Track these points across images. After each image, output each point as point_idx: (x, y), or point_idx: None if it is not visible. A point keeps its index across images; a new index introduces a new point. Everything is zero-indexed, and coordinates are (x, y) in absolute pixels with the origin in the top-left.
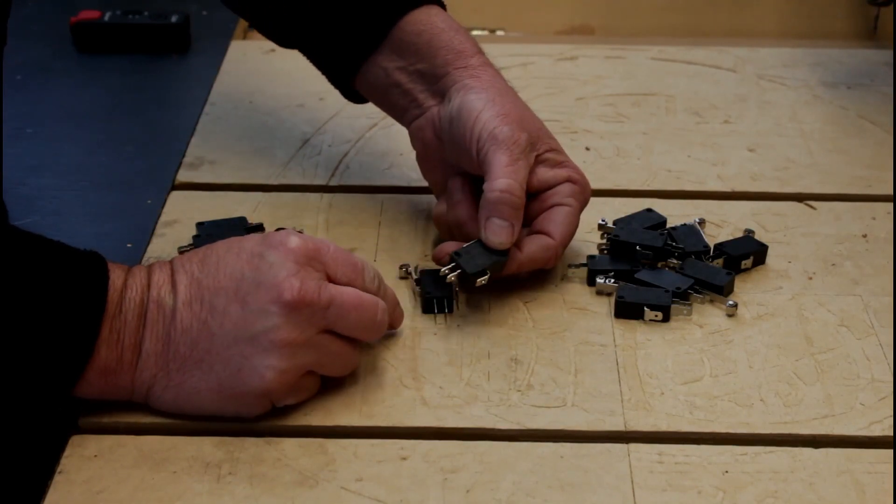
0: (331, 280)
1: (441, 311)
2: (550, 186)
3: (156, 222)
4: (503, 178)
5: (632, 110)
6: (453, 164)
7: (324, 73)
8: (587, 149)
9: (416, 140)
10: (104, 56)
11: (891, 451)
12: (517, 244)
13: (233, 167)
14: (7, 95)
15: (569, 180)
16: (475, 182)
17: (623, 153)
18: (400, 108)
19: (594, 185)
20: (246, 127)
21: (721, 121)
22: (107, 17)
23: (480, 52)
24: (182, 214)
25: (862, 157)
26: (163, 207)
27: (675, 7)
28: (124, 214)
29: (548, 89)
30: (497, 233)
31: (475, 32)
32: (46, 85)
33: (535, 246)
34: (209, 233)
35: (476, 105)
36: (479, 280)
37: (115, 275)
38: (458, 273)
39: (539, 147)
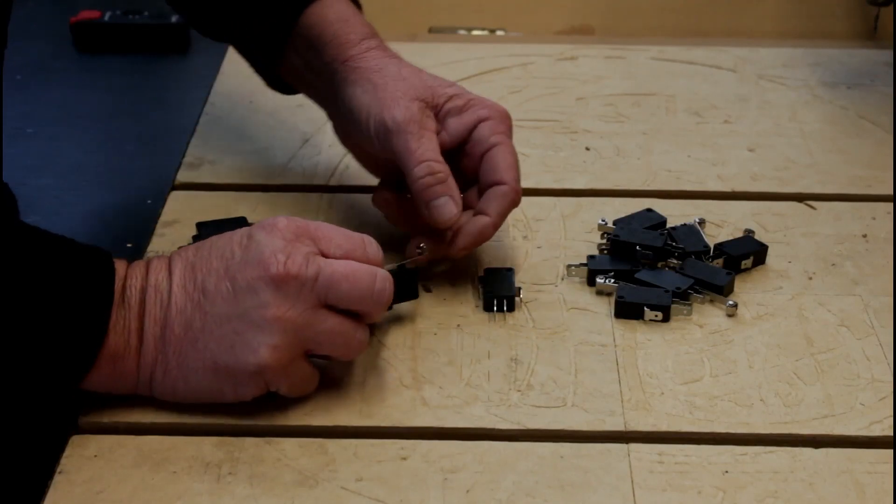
0: (325, 256)
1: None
2: (468, 133)
3: (156, 222)
4: (418, 163)
5: (632, 110)
6: (376, 156)
7: (253, 67)
8: (587, 149)
9: (341, 138)
10: (104, 56)
11: (891, 451)
12: (482, 209)
13: (233, 167)
14: (7, 95)
15: (480, 120)
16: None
17: (623, 153)
18: (320, 103)
19: (594, 185)
20: (246, 127)
21: (721, 121)
22: (107, 17)
23: (368, 37)
24: (182, 214)
25: (862, 157)
26: (163, 207)
27: (675, 7)
28: (124, 214)
29: (548, 89)
30: (441, 212)
31: (475, 32)
32: (46, 85)
33: (495, 201)
34: (209, 233)
35: (363, 100)
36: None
37: (119, 265)
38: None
39: (437, 101)
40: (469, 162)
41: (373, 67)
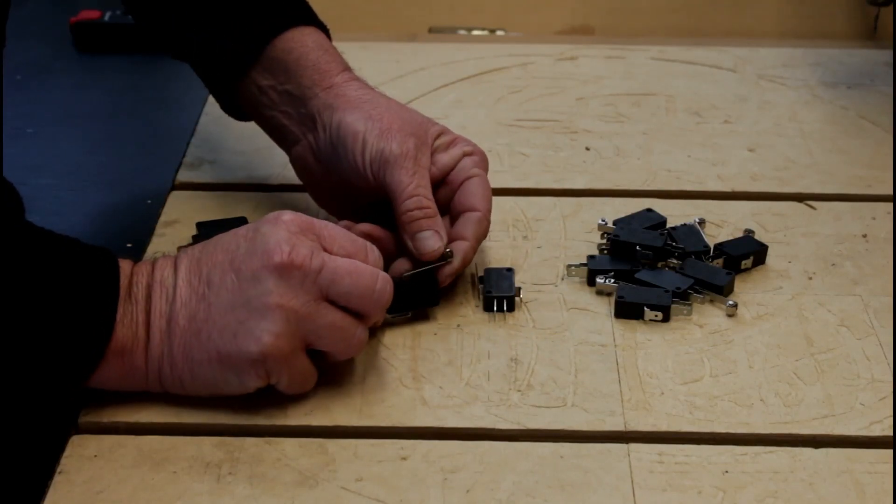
0: (328, 253)
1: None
2: (451, 168)
3: (156, 222)
4: (409, 197)
5: (632, 110)
6: (347, 186)
7: (207, 87)
8: (587, 149)
9: (298, 169)
10: (104, 56)
11: (891, 451)
12: (459, 234)
13: (233, 167)
14: (7, 95)
15: (465, 154)
16: (374, 214)
17: (623, 153)
18: (277, 130)
19: (594, 185)
20: (246, 127)
21: (721, 121)
22: (107, 17)
23: (347, 69)
24: (182, 214)
25: (862, 157)
26: (163, 207)
27: (675, 7)
28: (124, 214)
29: (548, 89)
30: (427, 243)
31: (475, 32)
32: (46, 85)
33: (470, 225)
34: (209, 233)
35: (357, 127)
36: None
37: (124, 264)
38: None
39: (428, 139)
40: (447, 190)
41: (361, 98)
